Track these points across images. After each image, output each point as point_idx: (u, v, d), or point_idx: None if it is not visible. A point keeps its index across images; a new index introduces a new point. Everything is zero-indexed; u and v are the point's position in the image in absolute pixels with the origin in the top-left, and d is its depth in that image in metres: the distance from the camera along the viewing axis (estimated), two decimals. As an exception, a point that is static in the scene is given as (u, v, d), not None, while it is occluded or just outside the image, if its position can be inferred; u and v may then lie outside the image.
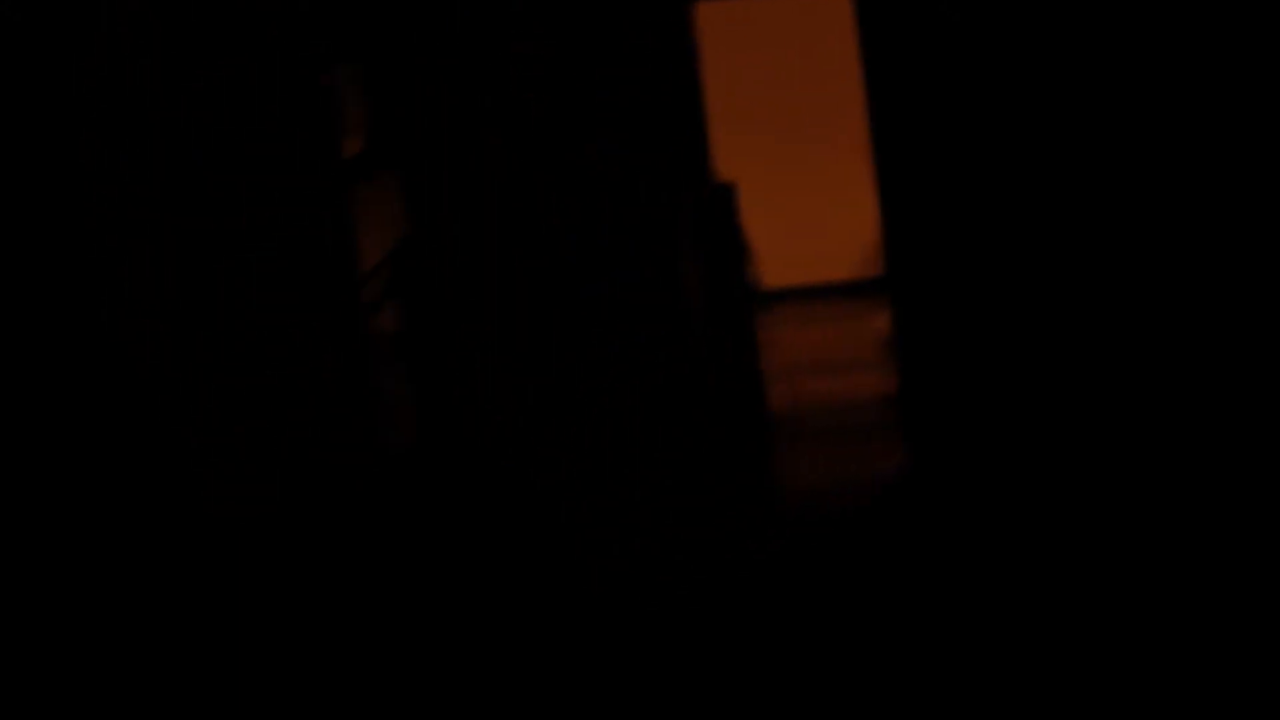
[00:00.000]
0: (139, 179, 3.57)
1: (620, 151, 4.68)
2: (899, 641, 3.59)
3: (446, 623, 3.74)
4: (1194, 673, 3.26)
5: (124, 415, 3.59)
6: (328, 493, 3.65)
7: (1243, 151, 4.21)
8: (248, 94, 3.56)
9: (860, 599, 3.87)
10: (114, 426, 3.59)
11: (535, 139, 4.60)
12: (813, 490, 4.76)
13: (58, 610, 3.60)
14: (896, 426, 5.22)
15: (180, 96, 3.53)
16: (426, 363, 4.19)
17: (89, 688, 3.47)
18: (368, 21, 4.19)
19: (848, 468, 4.90)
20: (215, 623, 3.65)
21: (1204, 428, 4.27)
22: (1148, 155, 4.29)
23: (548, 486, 4.61)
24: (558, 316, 4.63)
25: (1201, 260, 4.26)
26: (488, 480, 4.40)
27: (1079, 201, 4.35)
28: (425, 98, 4.45)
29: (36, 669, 3.50)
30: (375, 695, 3.46)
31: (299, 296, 3.60)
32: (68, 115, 3.54)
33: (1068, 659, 3.43)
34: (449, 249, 4.47)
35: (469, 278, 4.53)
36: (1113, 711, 3.15)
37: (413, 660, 3.60)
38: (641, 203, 4.73)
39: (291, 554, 3.70)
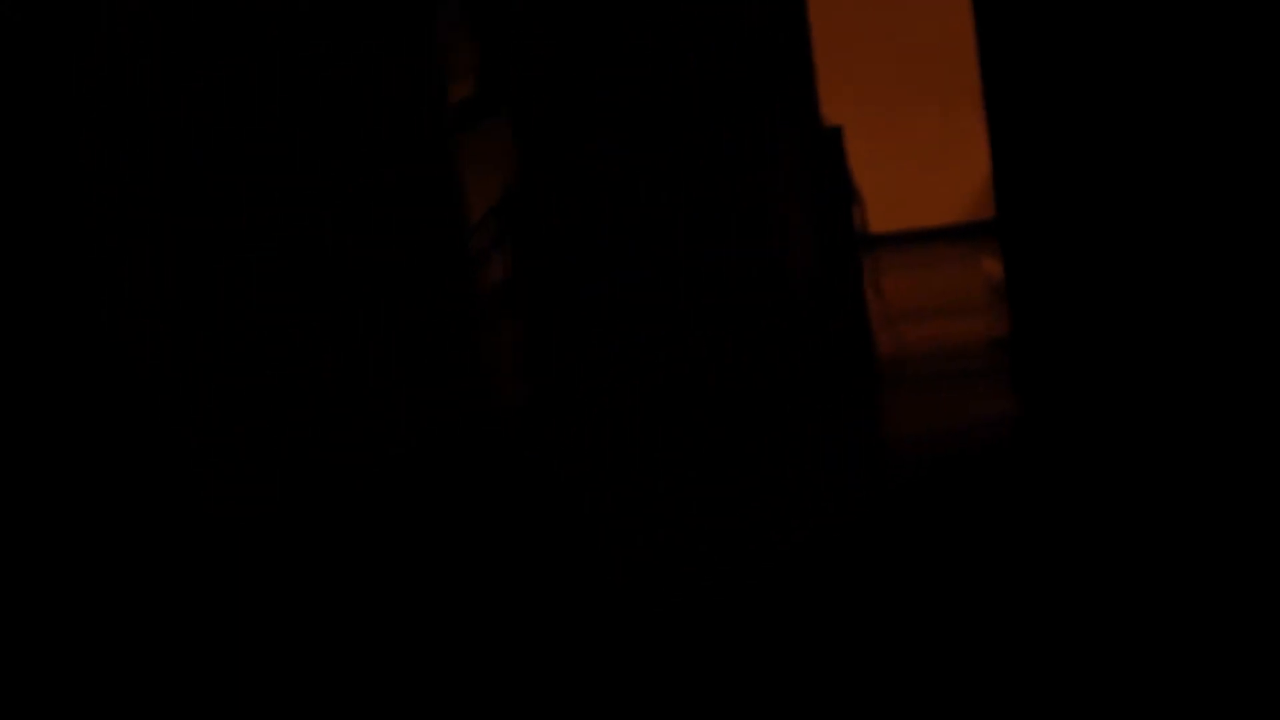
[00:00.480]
0: (141, 200, 3.57)
1: (727, 95, 4.63)
2: (1007, 604, 3.55)
3: (499, 605, 3.75)
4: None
5: (123, 416, 3.60)
6: (435, 456, 3.65)
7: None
8: (334, 34, 3.54)
9: (968, 552, 3.83)
10: (123, 425, 3.60)
11: (635, 81, 4.57)
12: (919, 438, 4.72)
13: (58, 609, 3.62)
14: (1006, 372, 5.15)
15: (263, 35, 3.51)
16: (533, 320, 4.18)
17: (88, 687, 3.49)
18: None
19: (955, 415, 4.85)
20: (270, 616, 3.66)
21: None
22: None
23: (640, 439, 4.60)
24: (665, 264, 4.61)
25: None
26: (580, 438, 4.39)
27: (1201, 137, 4.24)
28: (537, 36, 4.43)
29: (35, 668, 3.53)
30: (392, 687, 3.45)
31: (399, 251, 3.59)
32: (68, 115, 3.54)
33: (1192, 625, 3.37)
34: (559, 198, 4.45)
35: (579, 229, 4.50)
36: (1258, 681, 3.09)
37: (439, 648, 3.59)
38: (746, 147, 4.68)
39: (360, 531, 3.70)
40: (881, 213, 7.85)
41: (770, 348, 4.70)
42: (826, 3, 7.68)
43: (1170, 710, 3.02)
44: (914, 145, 7.75)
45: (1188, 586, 3.42)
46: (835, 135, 5.12)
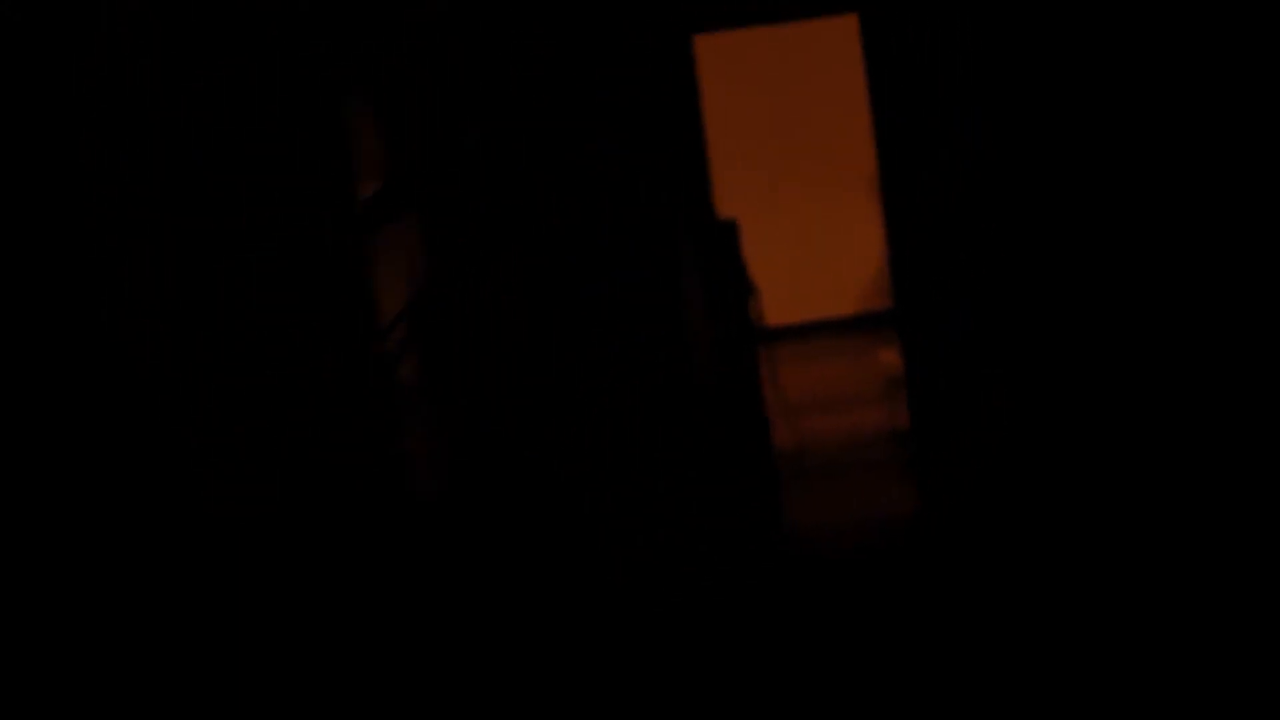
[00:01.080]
0: (141, 200, 3.52)
1: (622, 190, 4.63)
2: (905, 685, 3.52)
3: (470, 623, 3.69)
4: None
5: (123, 416, 3.54)
6: (352, 539, 3.60)
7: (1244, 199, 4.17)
8: (259, 132, 3.51)
9: (867, 642, 3.80)
10: (114, 427, 3.54)
11: (538, 178, 4.56)
12: (820, 530, 4.70)
13: (59, 609, 3.55)
14: (904, 463, 5.17)
15: (188, 128, 3.48)
16: (451, 399, 4.15)
17: (90, 687, 3.42)
18: (378, 55, 4.15)
19: (855, 507, 4.84)
20: (222, 623, 3.59)
21: (1225, 465, 4.22)
22: (1164, 188, 4.25)
23: (554, 531, 4.56)
24: (563, 357, 4.58)
25: (1209, 298, 4.21)
26: (506, 520, 4.34)
27: (1091, 233, 4.30)
28: (435, 134, 4.41)
29: (37, 668, 3.46)
30: (397, 689, 3.40)
31: (317, 345, 3.54)
32: (68, 115, 3.48)
33: (1086, 705, 3.36)
34: (468, 288, 4.42)
35: (487, 318, 4.48)
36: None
37: (439, 654, 3.54)
38: (644, 240, 4.68)
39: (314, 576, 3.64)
40: (777, 305, 7.92)
41: (674, 438, 4.67)
42: (720, 100, 7.76)
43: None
44: (807, 239, 7.83)
45: (1082, 667, 3.43)
46: (730, 228, 5.13)
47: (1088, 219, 4.30)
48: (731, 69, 7.86)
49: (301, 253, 3.53)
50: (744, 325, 5.12)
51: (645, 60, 4.60)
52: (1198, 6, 4.12)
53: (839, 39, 7.65)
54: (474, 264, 4.40)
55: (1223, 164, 4.21)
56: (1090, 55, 4.21)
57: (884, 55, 4.31)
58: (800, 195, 7.89)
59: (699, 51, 7.73)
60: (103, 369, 3.51)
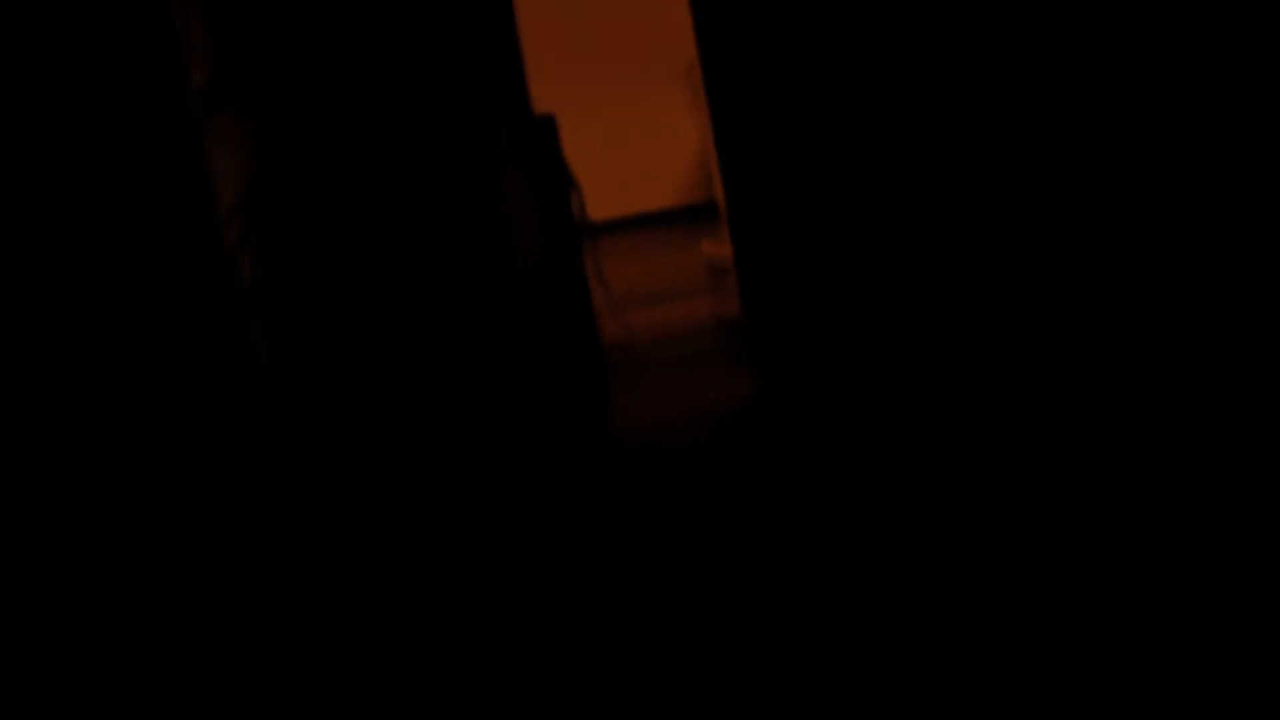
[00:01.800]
0: None
1: (438, 81, 4.56)
2: (741, 588, 3.55)
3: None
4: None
5: None
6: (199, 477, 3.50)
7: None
8: (77, 14, 3.36)
9: (705, 540, 3.83)
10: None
11: (354, 70, 4.46)
12: (653, 424, 4.71)
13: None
14: (734, 352, 5.20)
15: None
16: (286, 311, 4.05)
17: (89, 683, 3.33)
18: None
19: (688, 398, 4.85)
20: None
21: (1042, 366, 4.30)
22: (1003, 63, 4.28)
23: (369, 440, 4.50)
24: (387, 256, 4.51)
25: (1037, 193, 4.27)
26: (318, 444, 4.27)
27: (929, 117, 4.33)
28: (259, 24, 4.29)
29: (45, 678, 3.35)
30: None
31: (147, 241, 3.42)
32: None
33: (924, 610, 3.42)
34: (297, 183, 4.32)
35: (314, 214, 4.38)
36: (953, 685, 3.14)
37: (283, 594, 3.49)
38: (463, 137, 4.61)
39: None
40: (599, 201, 7.88)
41: (499, 336, 4.64)
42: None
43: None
44: (626, 133, 7.80)
45: (920, 565, 3.48)
46: (549, 123, 5.07)
47: (921, 99, 4.32)
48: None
49: (133, 141, 3.40)
50: (567, 221, 5.08)
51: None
52: None
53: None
54: (300, 159, 4.31)
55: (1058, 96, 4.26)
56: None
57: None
58: (617, 89, 7.84)
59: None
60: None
